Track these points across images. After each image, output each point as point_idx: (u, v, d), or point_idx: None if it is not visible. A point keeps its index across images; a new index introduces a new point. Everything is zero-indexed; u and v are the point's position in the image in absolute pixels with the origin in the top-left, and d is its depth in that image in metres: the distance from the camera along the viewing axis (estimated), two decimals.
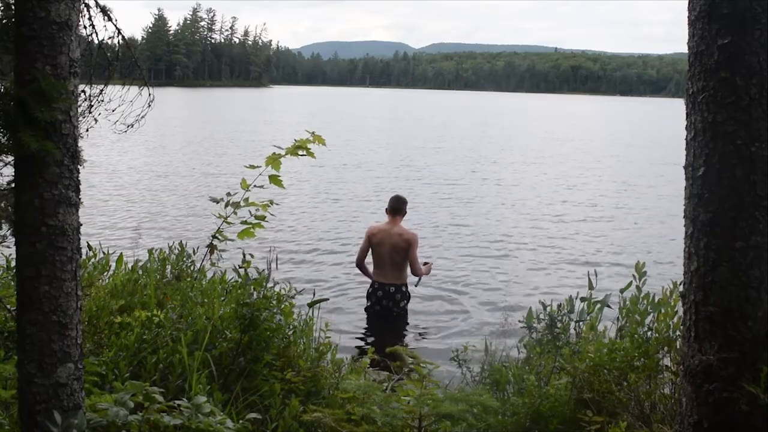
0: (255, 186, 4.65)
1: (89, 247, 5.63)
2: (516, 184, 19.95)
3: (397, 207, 7.53)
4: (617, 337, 4.21)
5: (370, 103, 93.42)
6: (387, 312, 7.40)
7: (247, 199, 4.60)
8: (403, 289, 7.45)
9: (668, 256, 10.78)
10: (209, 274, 5.19)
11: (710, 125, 2.66)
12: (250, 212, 4.67)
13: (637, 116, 75.14)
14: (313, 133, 4.61)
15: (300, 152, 4.63)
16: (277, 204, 4.80)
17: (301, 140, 4.62)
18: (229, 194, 4.64)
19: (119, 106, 3.23)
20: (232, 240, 4.73)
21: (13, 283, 3.55)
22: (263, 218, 4.61)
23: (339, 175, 20.31)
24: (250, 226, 4.59)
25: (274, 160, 4.60)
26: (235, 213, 4.59)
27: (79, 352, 2.37)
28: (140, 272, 5.04)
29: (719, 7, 2.63)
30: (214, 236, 4.74)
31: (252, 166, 4.57)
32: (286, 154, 4.63)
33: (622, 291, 4.41)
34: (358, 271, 7.94)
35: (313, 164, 5.03)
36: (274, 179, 4.62)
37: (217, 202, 4.59)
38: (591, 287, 4.72)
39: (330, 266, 10.02)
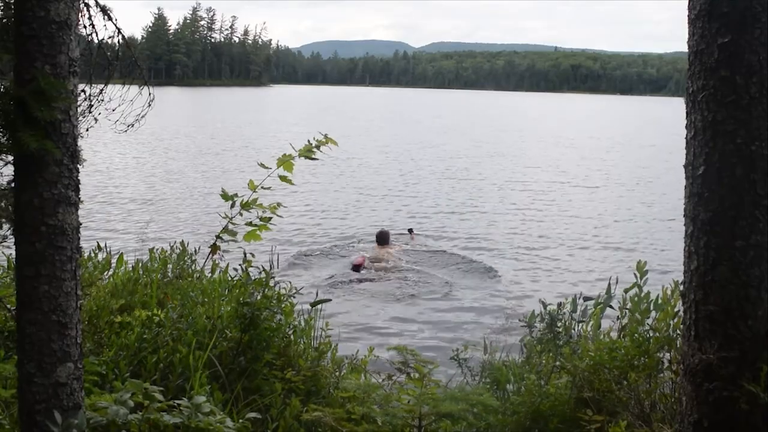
0: (262, 188, 4.62)
1: (98, 246, 5.64)
2: (518, 183, 19.94)
3: (384, 239, 10.46)
4: (618, 337, 4.21)
5: (372, 102, 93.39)
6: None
7: (255, 200, 4.57)
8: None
9: (669, 255, 10.78)
10: (214, 274, 5.18)
11: (710, 124, 2.66)
12: (257, 214, 4.64)
13: (637, 115, 75.09)
14: (326, 135, 4.57)
15: (312, 155, 4.56)
16: (285, 207, 4.78)
17: (318, 141, 4.55)
18: (236, 195, 4.62)
19: (119, 105, 3.22)
20: (235, 240, 4.72)
21: (13, 283, 3.56)
22: (269, 220, 4.58)
23: (340, 175, 20.31)
24: (257, 228, 4.56)
25: (285, 162, 4.56)
26: (241, 214, 4.57)
27: (78, 352, 2.36)
28: (141, 272, 5.04)
29: (719, 5, 2.62)
30: (217, 236, 4.73)
31: (263, 166, 4.54)
32: (300, 155, 4.58)
33: (626, 291, 4.40)
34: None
35: (316, 163, 5.01)
36: (285, 179, 4.58)
37: (227, 200, 4.56)
38: (608, 292, 4.71)
39: (330, 265, 10.02)
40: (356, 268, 9.40)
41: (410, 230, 11.80)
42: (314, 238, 12.07)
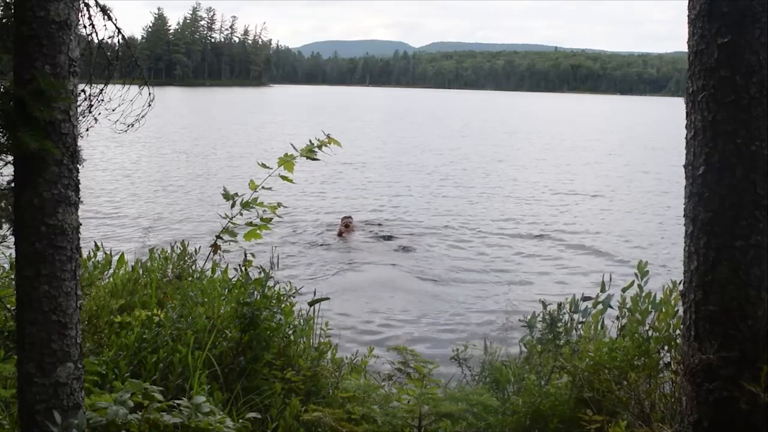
0: (263, 188, 4.61)
1: (96, 246, 5.63)
2: (520, 184, 19.94)
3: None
4: (618, 337, 4.21)
5: (372, 102, 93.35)
6: None
7: (255, 199, 4.57)
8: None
9: (669, 255, 10.78)
10: (215, 274, 5.18)
11: (710, 124, 2.66)
12: (257, 213, 4.64)
13: (638, 115, 75.06)
14: (328, 135, 4.56)
15: (314, 155, 4.55)
16: (285, 207, 4.78)
17: (321, 141, 4.54)
18: (236, 194, 4.62)
19: (119, 105, 3.22)
20: (235, 240, 4.72)
21: (13, 283, 3.55)
22: (270, 220, 4.58)
23: (339, 174, 20.31)
24: (257, 227, 4.56)
25: (287, 161, 4.55)
26: (241, 214, 4.57)
27: (78, 352, 2.36)
28: (141, 272, 5.04)
29: (719, 5, 2.62)
30: (218, 236, 4.73)
31: (264, 165, 4.54)
32: (302, 155, 4.57)
33: (624, 290, 4.40)
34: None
35: (318, 163, 5.00)
36: (286, 178, 4.57)
37: (228, 199, 4.55)
38: (603, 290, 4.71)
39: (330, 263, 10.02)
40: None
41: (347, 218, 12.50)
42: (315, 235, 12.06)
